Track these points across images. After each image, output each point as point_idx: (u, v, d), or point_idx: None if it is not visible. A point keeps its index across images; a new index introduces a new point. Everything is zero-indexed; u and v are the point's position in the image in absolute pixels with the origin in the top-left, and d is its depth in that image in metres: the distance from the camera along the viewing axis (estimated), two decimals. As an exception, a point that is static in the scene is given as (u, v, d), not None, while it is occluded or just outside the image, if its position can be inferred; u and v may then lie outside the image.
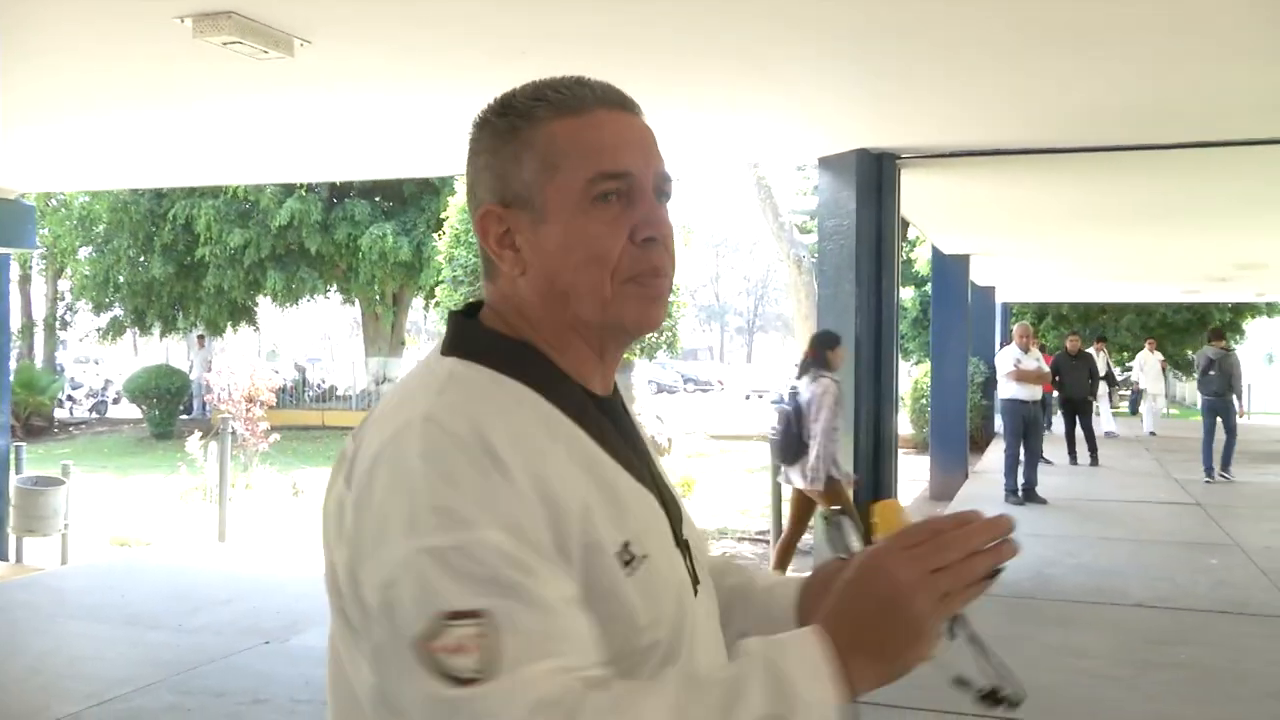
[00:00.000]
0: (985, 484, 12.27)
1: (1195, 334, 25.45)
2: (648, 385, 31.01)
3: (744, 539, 10.59)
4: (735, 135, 6.89)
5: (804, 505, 6.90)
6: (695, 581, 1.13)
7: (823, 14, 4.35)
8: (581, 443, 1.06)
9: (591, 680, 0.91)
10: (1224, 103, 5.75)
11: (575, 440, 1.06)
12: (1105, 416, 19.36)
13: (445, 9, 4.28)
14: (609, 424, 1.12)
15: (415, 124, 6.41)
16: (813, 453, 6.59)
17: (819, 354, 6.76)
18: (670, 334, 14.97)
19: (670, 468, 1.40)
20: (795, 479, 6.79)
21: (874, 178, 7.10)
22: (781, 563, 6.98)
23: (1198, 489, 12.06)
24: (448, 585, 0.91)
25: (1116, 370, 24.32)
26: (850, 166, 7.03)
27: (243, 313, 23.49)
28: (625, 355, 3.35)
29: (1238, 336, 25.88)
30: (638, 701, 0.91)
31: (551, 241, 1.07)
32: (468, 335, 1.12)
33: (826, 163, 7.24)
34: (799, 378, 6.85)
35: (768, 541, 9.01)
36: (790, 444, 6.68)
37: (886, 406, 7.23)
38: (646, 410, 17.72)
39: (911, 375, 19.14)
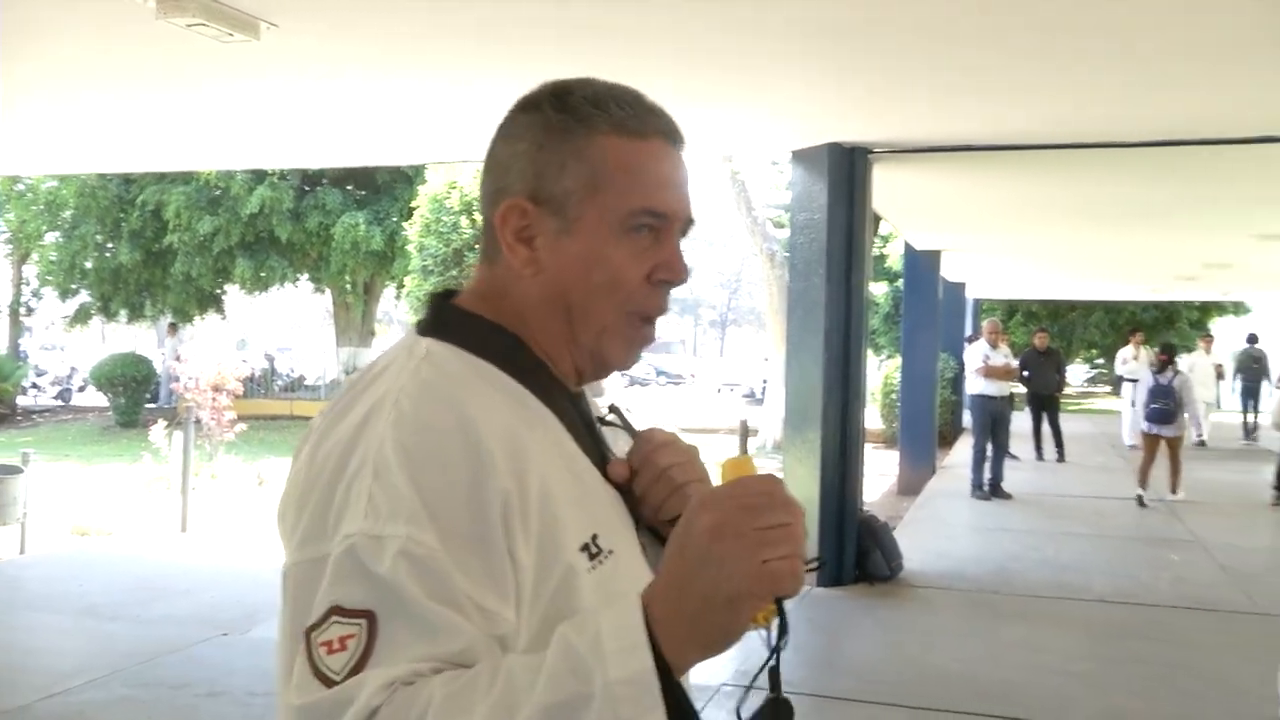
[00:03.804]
0: (952, 479, 12.34)
1: (1163, 332, 25.63)
2: (620, 378, 30.96)
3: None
4: (707, 128, 6.86)
5: (1172, 445, 10.92)
6: None
7: (793, 8, 4.33)
8: (557, 434, 1.05)
9: (425, 677, 0.86)
10: (1191, 102, 5.78)
11: (551, 430, 1.05)
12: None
13: (412, -6, 4.24)
14: (580, 421, 1.11)
15: (387, 111, 6.35)
16: (1184, 416, 10.79)
17: (1170, 359, 10.78)
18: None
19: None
20: (1165, 431, 10.73)
21: (846, 172, 7.10)
22: (1143, 482, 10.92)
23: (1163, 486, 12.14)
24: (348, 580, 0.89)
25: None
26: (822, 160, 7.03)
27: (211, 301, 23.24)
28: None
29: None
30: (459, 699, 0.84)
31: (573, 255, 1.06)
32: (448, 317, 1.10)
33: (798, 156, 7.24)
34: (1159, 374, 10.72)
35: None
36: (1170, 412, 10.62)
37: (855, 401, 7.23)
38: (614, 402, 17.65)
39: (882, 370, 19.18)
